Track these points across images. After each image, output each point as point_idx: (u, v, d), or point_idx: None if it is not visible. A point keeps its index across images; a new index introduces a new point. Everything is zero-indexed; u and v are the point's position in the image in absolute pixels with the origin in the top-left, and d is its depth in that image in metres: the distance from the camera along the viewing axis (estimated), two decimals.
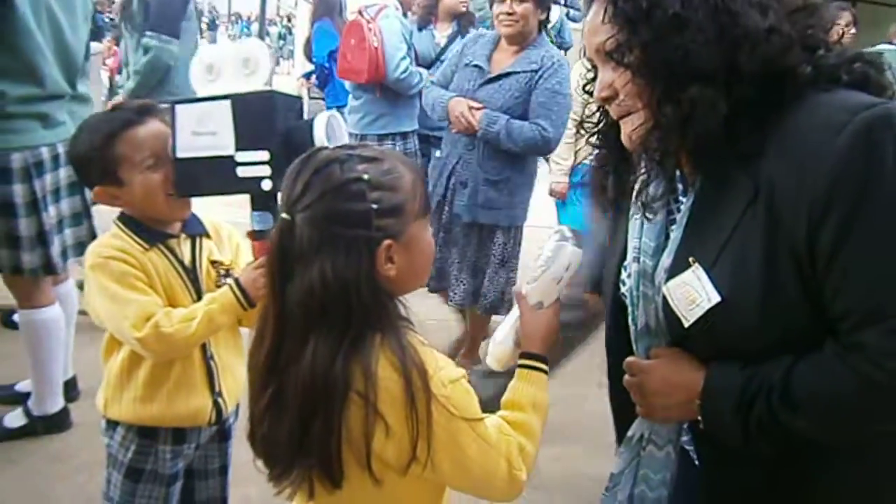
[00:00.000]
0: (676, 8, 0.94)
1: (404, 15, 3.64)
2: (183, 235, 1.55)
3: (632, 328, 1.15)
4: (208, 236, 1.60)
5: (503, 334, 1.24)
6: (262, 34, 7.77)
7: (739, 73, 0.94)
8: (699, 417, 1.03)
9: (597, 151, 1.17)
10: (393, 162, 1.06)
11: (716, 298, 0.97)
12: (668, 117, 0.96)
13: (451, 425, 1.00)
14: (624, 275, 1.16)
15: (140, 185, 1.46)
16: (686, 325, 1.01)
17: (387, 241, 1.00)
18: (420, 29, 3.85)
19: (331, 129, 1.42)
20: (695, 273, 1.00)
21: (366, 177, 1.00)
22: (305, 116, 1.51)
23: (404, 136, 3.75)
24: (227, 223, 1.69)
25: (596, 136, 1.16)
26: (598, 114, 1.14)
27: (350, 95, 3.76)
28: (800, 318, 0.95)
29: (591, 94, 1.11)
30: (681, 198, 1.08)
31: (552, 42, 3.00)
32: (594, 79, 1.09)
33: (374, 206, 0.99)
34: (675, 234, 1.06)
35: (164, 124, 1.49)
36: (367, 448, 0.97)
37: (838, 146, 0.88)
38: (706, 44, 0.94)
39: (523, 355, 1.19)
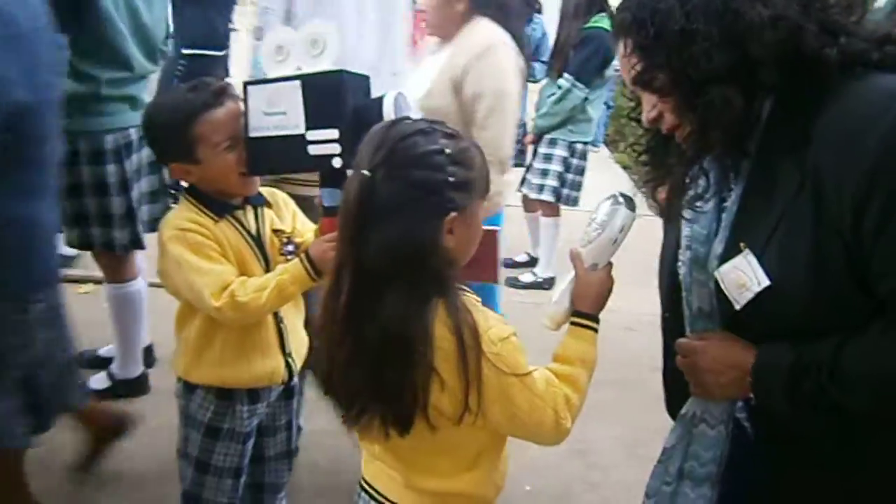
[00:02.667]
0: (681, 24, 0.99)
1: None
2: (248, 206, 1.64)
3: (686, 312, 1.20)
4: (269, 205, 1.69)
5: (559, 294, 1.31)
6: None
7: (755, 64, 0.98)
8: (751, 395, 1.08)
9: (646, 168, 1.24)
10: (468, 142, 1.14)
11: (765, 282, 1.01)
12: (695, 122, 1.03)
13: (501, 380, 1.09)
14: (679, 262, 1.21)
15: (216, 164, 1.55)
16: (737, 307, 1.05)
17: (453, 213, 1.08)
18: None
19: (398, 106, 1.48)
20: (745, 258, 1.04)
21: (448, 150, 1.08)
22: (373, 94, 1.58)
23: None
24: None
25: (644, 155, 1.23)
26: (645, 136, 1.22)
27: None
28: (847, 300, 0.98)
29: (638, 120, 1.20)
30: (732, 185, 1.12)
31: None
32: (637, 106, 1.18)
33: (451, 178, 1.07)
34: (726, 220, 1.11)
35: (239, 106, 1.57)
36: (425, 399, 1.07)
37: (880, 133, 0.92)
38: (715, 46, 0.99)
39: (576, 314, 1.27)
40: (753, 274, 1.03)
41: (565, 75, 3.72)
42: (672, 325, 1.24)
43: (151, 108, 1.70)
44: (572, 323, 1.27)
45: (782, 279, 1.00)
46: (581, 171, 3.97)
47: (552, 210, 4.05)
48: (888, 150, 0.92)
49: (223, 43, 4.26)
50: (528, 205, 4.25)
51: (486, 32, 2.21)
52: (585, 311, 1.26)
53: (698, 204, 1.14)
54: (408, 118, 1.16)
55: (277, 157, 1.55)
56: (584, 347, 1.25)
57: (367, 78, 1.59)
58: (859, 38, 1.01)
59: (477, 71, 2.13)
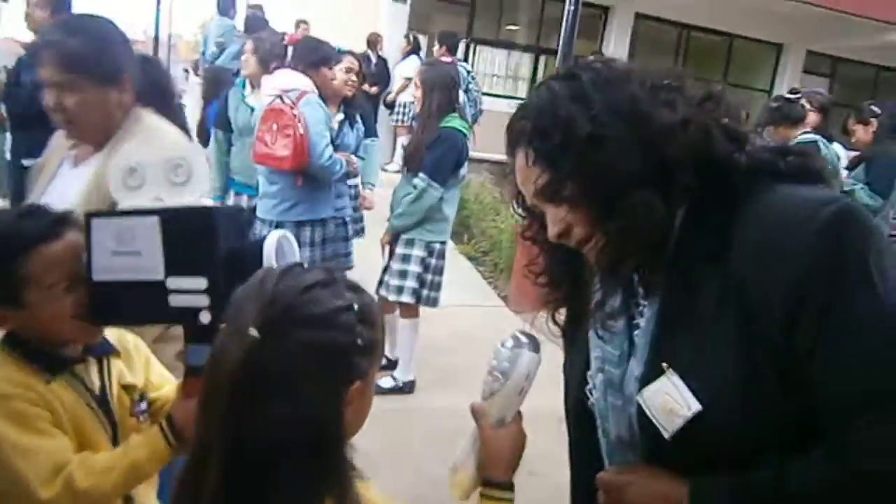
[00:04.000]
0: (588, 129, 0.95)
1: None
2: (89, 358, 1.34)
3: (602, 442, 1.11)
4: (117, 354, 1.40)
5: (462, 454, 1.15)
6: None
7: (671, 167, 0.95)
8: None
9: (546, 291, 1.16)
10: (368, 294, 0.97)
11: (696, 406, 0.95)
12: (612, 231, 0.97)
13: None
14: (589, 385, 1.13)
15: (47, 310, 1.25)
16: (666, 435, 0.97)
17: (358, 382, 0.91)
18: None
19: (281, 251, 1.28)
20: (670, 380, 0.97)
21: (355, 307, 0.91)
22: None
23: (323, 222, 3.63)
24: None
25: (544, 276, 1.16)
26: (542, 255, 1.15)
27: (263, 180, 3.60)
28: (783, 416, 0.93)
29: (532, 239, 1.12)
30: (641, 301, 1.06)
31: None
32: (531, 224, 1.11)
33: (359, 340, 0.91)
34: (641, 339, 1.03)
35: (80, 239, 1.29)
36: None
37: (808, 240, 0.90)
38: (627, 151, 0.95)
39: (486, 483, 1.10)
40: (681, 397, 0.96)
41: (420, 175, 3.66)
42: (582, 452, 1.16)
43: None
44: (483, 495, 1.10)
45: (713, 402, 0.94)
46: (440, 271, 3.89)
47: (411, 311, 3.92)
48: (817, 257, 0.88)
49: None
50: (384, 306, 4.08)
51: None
52: (498, 478, 1.10)
53: (616, 317, 1.07)
54: (299, 265, 0.97)
55: (129, 307, 1.28)
56: None
57: (242, 212, 1.38)
58: (761, 147, 1.01)
59: None
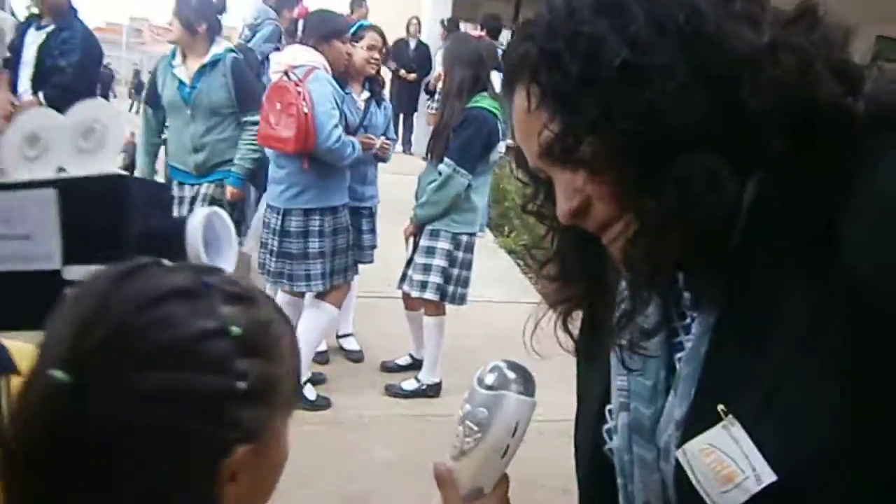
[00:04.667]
0: (623, 55, 0.63)
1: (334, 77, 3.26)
2: None
3: None
4: (17, 373, 1.13)
5: None
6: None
7: (748, 117, 0.62)
8: None
9: (554, 287, 0.83)
10: (269, 308, 0.65)
11: (769, 477, 0.63)
12: (651, 214, 0.66)
13: None
14: (608, 425, 0.81)
15: None
16: None
17: (242, 448, 0.58)
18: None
19: (212, 231, 0.99)
20: (729, 432, 0.66)
21: (234, 330, 0.59)
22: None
23: (334, 210, 3.34)
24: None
25: (552, 264, 0.83)
26: (551, 236, 0.82)
27: (272, 164, 3.34)
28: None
29: (539, 214, 0.80)
30: (688, 311, 0.74)
31: None
32: (536, 193, 0.81)
33: (240, 383, 0.58)
34: (686, 367, 0.71)
35: None
36: None
37: None
38: (682, 90, 0.62)
39: None
40: (746, 460, 0.64)
41: (446, 160, 3.35)
42: None
43: None
44: None
45: (796, 471, 0.62)
46: (468, 266, 3.58)
47: (437, 309, 3.62)
48: None
49: None
50: (410, 302, 3.81)
51: None
52: None
53: (641, 343, 0.74)
54: (154, 264, 0.64)
55: (16, 308, 1.01)
56: None
57: (164, 188, 1.08)
58: (886, 87, 0.66)
59: None
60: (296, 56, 3.21)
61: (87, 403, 0.55)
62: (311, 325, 3.42)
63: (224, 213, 1.03)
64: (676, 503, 0.72)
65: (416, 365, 3.92)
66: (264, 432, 0.61)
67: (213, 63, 3.66)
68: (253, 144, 3.57)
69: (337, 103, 3.18)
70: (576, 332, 0.86)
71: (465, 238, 3.53)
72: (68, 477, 0.56)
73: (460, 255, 3.53)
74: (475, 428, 0.79)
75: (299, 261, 3.32)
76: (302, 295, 3.50)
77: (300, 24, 3.32)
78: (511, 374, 0.81)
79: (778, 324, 0.63)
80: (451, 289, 3.54)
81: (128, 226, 0.97)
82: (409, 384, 3.75)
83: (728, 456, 0.65)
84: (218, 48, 3.70)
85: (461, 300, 3.59)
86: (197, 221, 0.97)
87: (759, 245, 0.66)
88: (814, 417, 0.61)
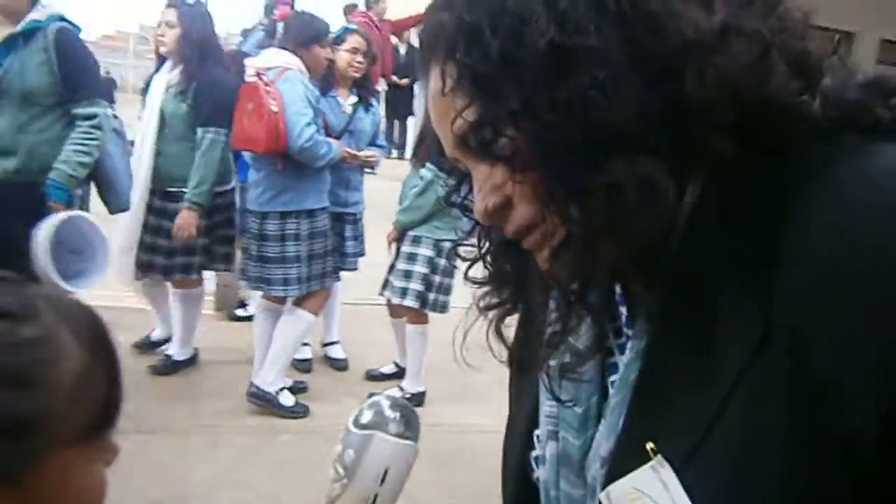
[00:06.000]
0: (549, 35, 0.54)
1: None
2: None
3: None
4: None
5: None
6: None
7: (692, 113, 0.53)
8: None
9: (484, 290, 0.73)
10: (50, 324, 0.56)
11: None
12: (576, 222, 0.57)
13: None
14: (536, 452, 0.72)
15: None
16: None
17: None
18: (323, 94, 3.44)
19: (68, 237, 0.91)
20: (658, 474, 0.57)
21: None
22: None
23: (311, 213, 3.29)
24: None
25: (480, 266, 0.73)
26: (478, 234, 0.73)
27: (251, 168, 3.30)
28: None
29: (465, 208, 0.71)
30: (625, 330, 0.65)
31: None
32: (459, 185, 0.71)
33: None
34: (616, 396, 0.63)
35: None
36: None
37: None
38: (616, 79, 0.53)
39: None
40: None
41: (427, 165, 3.29)
42: None
43: None
44: None
45: None
46: (450, 273, 3.50)
47: (419, 317, 3.55)
48: None
49: None
50: (394, 309, 3.74)
51: None
52: None
53: (570, 368, 0.66)
54: None
55: None
56: None
57: (33, 186, 1.01)
58: (846, 84, 0.57)
59: None
60: (269, 59, 3.17)
61: None
62: (288, 332, 3.37)
63: (89, 218, 0.96)
64: None
65: (401, 374, 3.84)
66: (21, 472, 0.53)
67: (29, 34, 2.63)
68: (84, 145, 2.62)
69: (311, 103, 3.13)
70: (510, 338, 0.77)
71: (447, 244, 3.46)
72: None
73: (442, 262, 3.46)
74: (342, 472, 0.71)
75: (277, 264, 3.26)
76: (282, 301, 3.44)
77: (279, 26, 3.28)
78: (390, 413, 0.73)
79: (715, 351, 0.55)
80: (431, 296, 3.46)
81: None
82: (393, 393, 3.68)
83: (653, 500, 0.57)
84: (39, 14, 2.67)
85: (442, 308, 3.51)
86: (46, 228, 0.90)
87: (697, 260, 0.57)
88: (754, 459, 0.52)
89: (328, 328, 4.11)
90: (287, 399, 3.38)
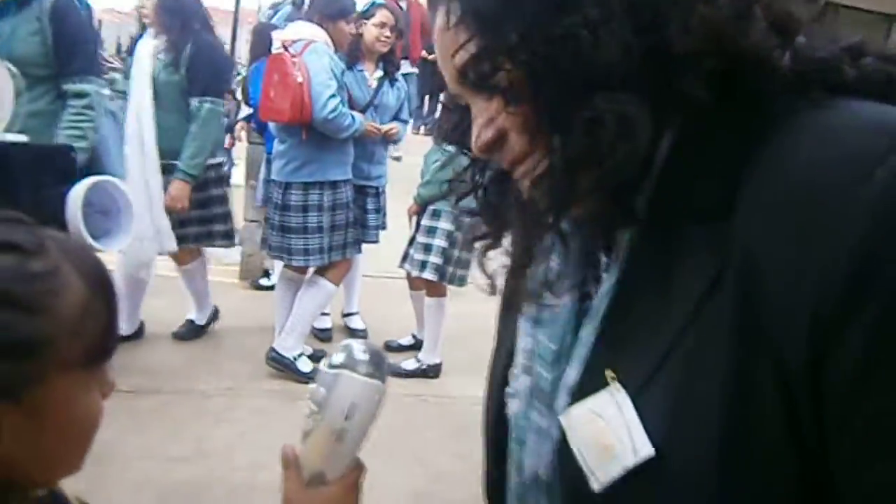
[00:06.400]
0: None
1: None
2: None
3: (511, 475, 0.75)
4: None
5: None
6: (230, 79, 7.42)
7: (673, 59, 0.58)
8: None
9: (473, 221, 0.78)
10: (56, 260, 0.62)
11: (646, 450, 0.58)
12: (560, 151, 0.61)
13: None
14: (510, 388, 0.76)
15: None
16: (596, 487, 0.61)
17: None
18: (349, 68, 3.47)
19: (98, 198, 0.97)
20: (613, 397, 0.61)
21: None
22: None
23: (334, 185, 3.34)
24: None
25: (468, 198, 0.77)
26: (472, 169, 0.76)
27: (276, 139, 3.35)
28: (779, 487, 0.56)
29: (462, 143, 0.75)
30: (602, 272, 0.69)
31: None
32: (456, 123, 0.76)
33: None
34: (586, 330, 0.67)
35: None
36: None
37: (869, 200, 0.51)
38: (608, 21, 0.57)
39: None
40: (626, 429, 0.60)
41: None
42: (500, 490, 0.79)
43: None
44: None
45: (675, 443, 0.58)
46: (469, 248, 3.53)
47: (437, 290, 3.60)
48: (885, 240, 0.50)
49: None
50: (413, 282, 3.79)
51: None
52: None
53: (548, 298, 0.71)
54: None
55: None
56: None
57: (66, 151, 1.07)
58: (822, 42, 0.60)
59: None
60: (296, 32, 3.21)
61: None
62: (308, 300, 3.44)
63: (115, 181, 1.02)
64: (559, 474, 0.67)
65: (418, 345, 3.91)
66: (20, 389, 0.59)
67: (23, 0, 2.48)
68: (77, 128, 2.38)
69: (336, 76, 3.16)
70: (492, 272, 0.81)
71: (466, 219, 3.49)
72: None
73: (461, 235, 3.50)
74: (315, 408, 0.76)
75: (298, 234, 3.33)
76: (303, 271, 3.51)
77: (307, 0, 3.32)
78: (360, 356, 0.76)
79: (675, 289, 0.59)
80: (450, 270, 3.51)
81: (15, 191, 0.95)
82: (409, 364, 3.75)
83: (609, 424, 0.60)
84: None
85: (461, 282, 3.56)
86: (78, 193, 0.95)
87: (667, 202, 0.61)
88: (698, 386, 0.56)
89: (349, 299, 4.18)
90: (305, 365, 3.47)
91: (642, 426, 0.59)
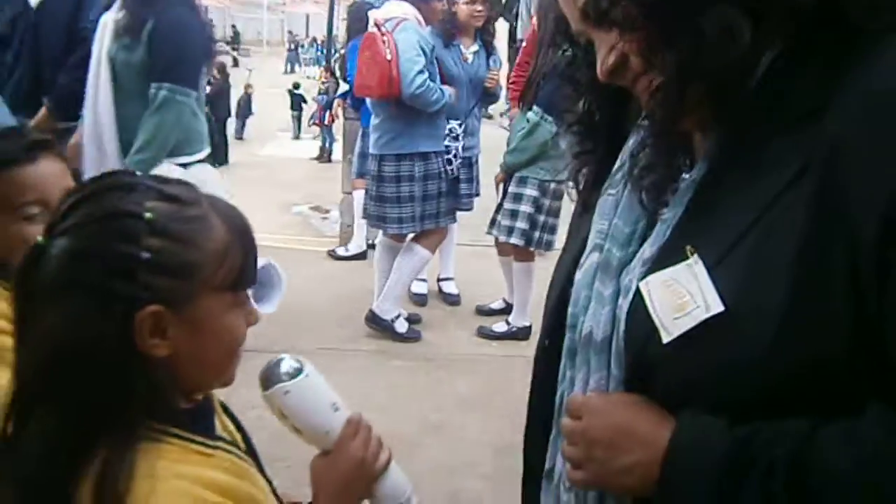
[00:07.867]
0: None
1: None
2: None
3: (568, 336, 0.84)
4: None
5: None
6: (329, 58, 7.68)
7: None
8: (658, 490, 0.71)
9: (577, 139, 0.93)
10: (206, 210, 0.81)
11: (717, 307, 0.67)
12: (671, 65, 0.71)
13: None
14: (578, 269, 0.86)
15: (8, 236, 1.15)
16: (666, 338, 0.70)
17: (153, 307, 0.75)
18: (446, 45, 3.61)
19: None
20: (691, 268, 0.71)
21: (147, 215, 0.76)
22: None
23: (425, 156, 3.51)
24: None
25: (579, 123, 0.92)
26: (583, 100, 0.90)
27: (371, 113, 3.55)
28: (839, 359, 0.64)
29: (574, 79, 0.89)
30: (684, 170, 0.80)
31: None
32: (574, 59, 0.89)
33: (146, 254, 0.75)
34: (668, 213, 0.77)
35: (60, 166, 1.21)
36: None
37: None
38: None
39: None
40: (700, 292, 0.69)
41: (534, 108, 3.42)
42: (551, 359, 0.89)
43: None
44: None
45: (744, 305, 0.67)
46: (556, 213, 3.64)
47: (525, 255, 3.73)
48: None
49: None
50: (502, 248, 3.93)
51: None
52: None
53: (645, 178, 0.81)
54: (126, 172, 0.86)
55: None
56: None
57: None
58: None
59: None
60: (389, 10, 3.38)
61: (45, 257, 0.76)
62: (405, 265, 3.65)
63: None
64: (625, 333, 0.77)
65: (508, 309, 4.04)
66: (182, 302, 0.77)
67: None
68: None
69: (424, 52, 3.32)
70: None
71: (552, 185, 3.59)
72: (30, 311, 0.77)
73: (547, 202, 3.60)
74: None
75: (392, 204, 3.53)
76: (401, 239, 3.72)
77: None
78: (262, 380, 0.92)
79: (759, 180, 0.69)
80: (536, 235, 3.62)
81: None
82: (500, 326, 3.90)
83: (685, 289, 0.70)
84: None
85: (547, 246, 3.66)
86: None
87: (761, 107, 0.71)
88: (772, 258, 0.66)
89: (444, 265, 4.36)
90: (401, 326, 3.68)
91: (715, 290, 0.68)
